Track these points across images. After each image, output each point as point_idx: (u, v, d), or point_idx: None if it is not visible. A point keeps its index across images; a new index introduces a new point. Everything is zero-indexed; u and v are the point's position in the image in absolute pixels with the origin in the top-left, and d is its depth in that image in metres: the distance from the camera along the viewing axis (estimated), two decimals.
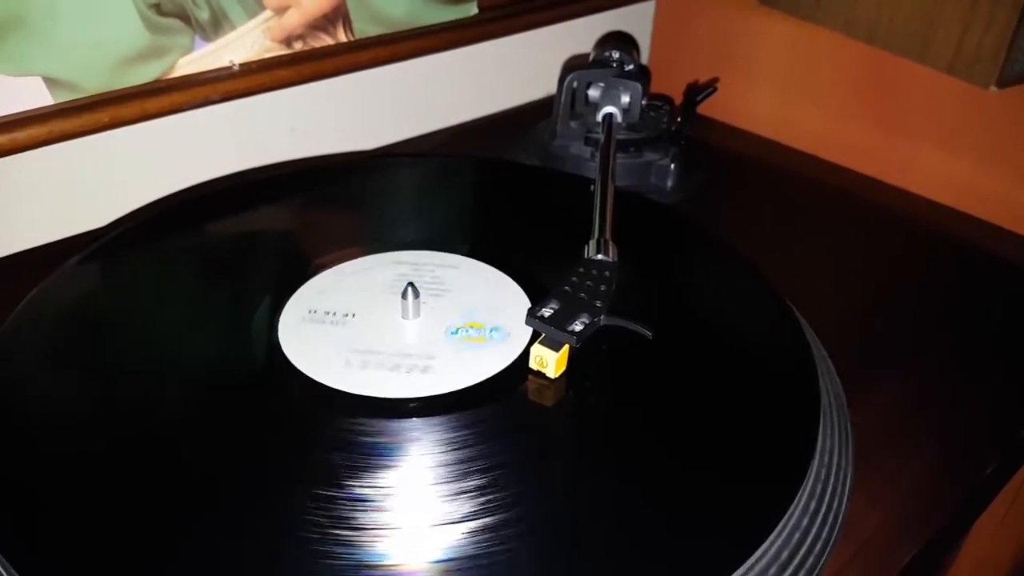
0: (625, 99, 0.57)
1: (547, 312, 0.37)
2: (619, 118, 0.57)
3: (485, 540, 0.29)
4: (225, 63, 0.55)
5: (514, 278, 0.42)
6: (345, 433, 0.33)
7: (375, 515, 0.29)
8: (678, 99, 0.64)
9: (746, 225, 0.55)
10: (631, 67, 0.59)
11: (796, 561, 0.31)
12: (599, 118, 0.57)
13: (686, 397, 0.36)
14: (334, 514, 0.29)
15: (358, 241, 0.45)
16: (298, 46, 0.57)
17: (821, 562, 0.32)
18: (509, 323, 0.39)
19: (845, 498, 0.34)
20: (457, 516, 0.30)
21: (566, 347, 0.36)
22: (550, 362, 0.35)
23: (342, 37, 0.59)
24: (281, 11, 0.55)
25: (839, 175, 0.65)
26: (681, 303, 0.42)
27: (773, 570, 0.30)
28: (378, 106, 0.66)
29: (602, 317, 0.37)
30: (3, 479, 0.31)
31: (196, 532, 0.29)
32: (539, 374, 0.36)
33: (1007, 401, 0.42)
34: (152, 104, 0.52)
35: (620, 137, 0.57)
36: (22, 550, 0.28)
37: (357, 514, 0.29)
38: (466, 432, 0.33)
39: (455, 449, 0.32)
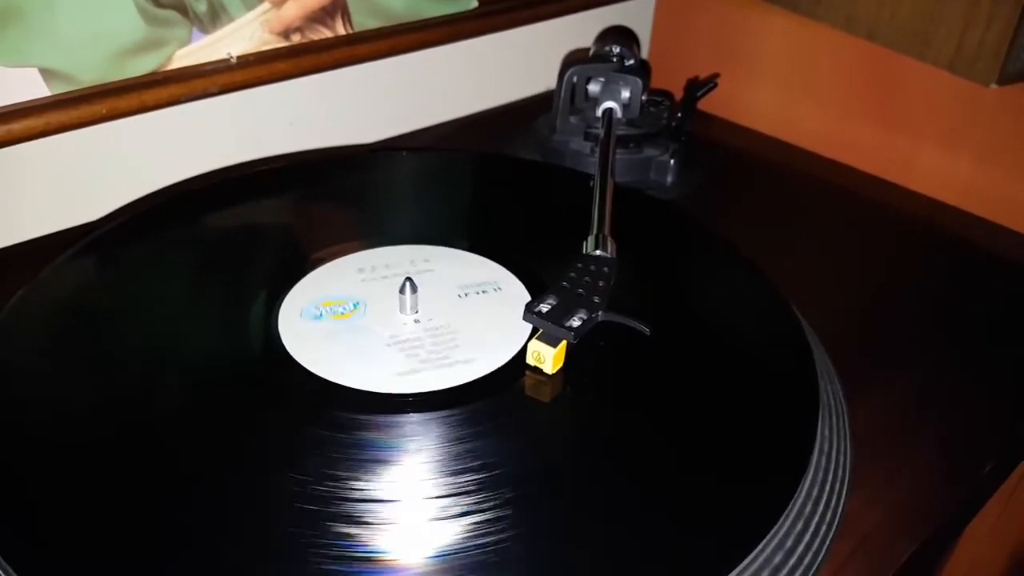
0: (625, 94, 0.57)
1: (545, 308, 0.37)
2: (619, 113, 0.57)
3: (479, 537, 0.29)
4: (223, 55, 0.54)
5: (512, 272, 0.42)
6: (342, 428, 0.33)
7: (370, 511, 0.29)
8: (678, 94, 0.64)
9: (745, 222, 0.55)
10: (631, 62, 0.59)
11: (794, 558, 0.31)
12: (599, 113, 0.57)
13: (684, 394, 0.35)
14: (331, 508, 0.29)
15: (357, 235, 0.45)
16: (296, 39, 0.57)
17: (819, 559, 0.32)
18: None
19: (844, 496, 0.34)
20: (452, 512, 0.29)
21: (563, 343, 0.36)
22: (547, 358, 0.35)
23: (341, 30, 0.59)
24: (279, 3, 0.55)
25: (839, 172, 0.65)
26: (680, 300, 0.42)
27: (771, 568, 0.30)
28: (377, 100, 0.66)
29: (600, 313, 0.37)
30: None
31: (191, 526, 0.29)
32: (536, 370, 0.36)
33: (1006, 399, 0.42)
34: (149, 96, 0.51)
35: (620, 132, 0.57)
36: (15, 544, 0.28)
37: (353, 509, 0.29)
38: (462, 428, 0.33)
39: (451, 445, 0.32)
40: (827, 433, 0.35)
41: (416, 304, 0.39)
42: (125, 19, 0.49)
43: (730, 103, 0.71)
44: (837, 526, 0.33)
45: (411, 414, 0.33)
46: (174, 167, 0.57)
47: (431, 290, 0.40)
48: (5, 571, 0.27)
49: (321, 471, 0.31)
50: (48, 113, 0.48)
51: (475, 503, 0.30)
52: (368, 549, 0.28)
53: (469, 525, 0.29)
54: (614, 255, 0.41)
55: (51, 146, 0.50)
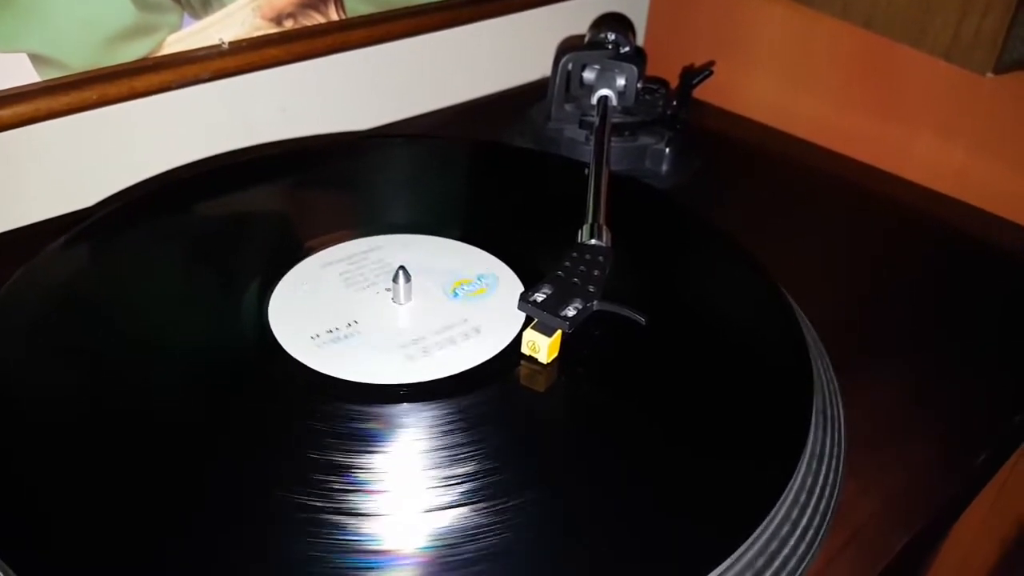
0: (620, 82, 0.56)
1: (540, 297, 0.36)
2: (614, 101, 0.56)
3: (474, 526, 0.28)
4: (214, 41, 0.54)
5: (507, 262, 0.42)
6: (336, 419, 0.32)
7: (363, 501, 0.29)
8: (674, 82, 0.64)
9: (741, 211, 0.55)
10: (627, 49, 0.58)
11: (788, 548, 0.31)
12: (594, 101, 0.57)
13: (679, 384, 0.35)
14: (326, 500, 0.29)
15: (350, 223, 0.45)
16: (289, 24, 0.56)
17: (813, 549, 0.32)
18: (495, 282, 0.39)
19: (837, 487, 0.34)
20: (447, 502, 0.29)
21: (558, 332, 0.35)
22: (542, 347, 0.35)
23: (333, 16, 0.58)
24: None
25: (835, 161, 0.65)
26: (675, 289, 0.42)
27: (765, 557, 0.30)
28: (370, 86, 0.65)
29: (595, 303, 0.37)
30: None
31: (185, 518, 0.29)
32: (531, 359, 0.36)
33: (1001, 389, 0.42)
34: (140, 82, 0.51)
35: (615, 120, 0.56)
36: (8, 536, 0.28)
37: (346, 500, 0.29)
38: (456, 418, 0.33)
39: (445, 435, 0.32)
40: (821, 423, 0.35)
41: (409, 293, 0.39)
42: (115, 4, 0.49)
43: (726, 91, 0.71)
44: (830, 517, 0.33)
45: (404, 404, 0.33)
46: (165, 154, 0.57)
47: (424, 279, 0.40)
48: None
49: (315, 462, 0.30)
50: (38, 99, 0.48)
51: (468, 493, 0.30)
52: (361, 540, 0.28)
53: (463, 516, 0.29)
54: (609, 244, 0.41)
55: (40, 133, 0.50)
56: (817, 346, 0.41)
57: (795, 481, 0.32)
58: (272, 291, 0.39)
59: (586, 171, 0.47)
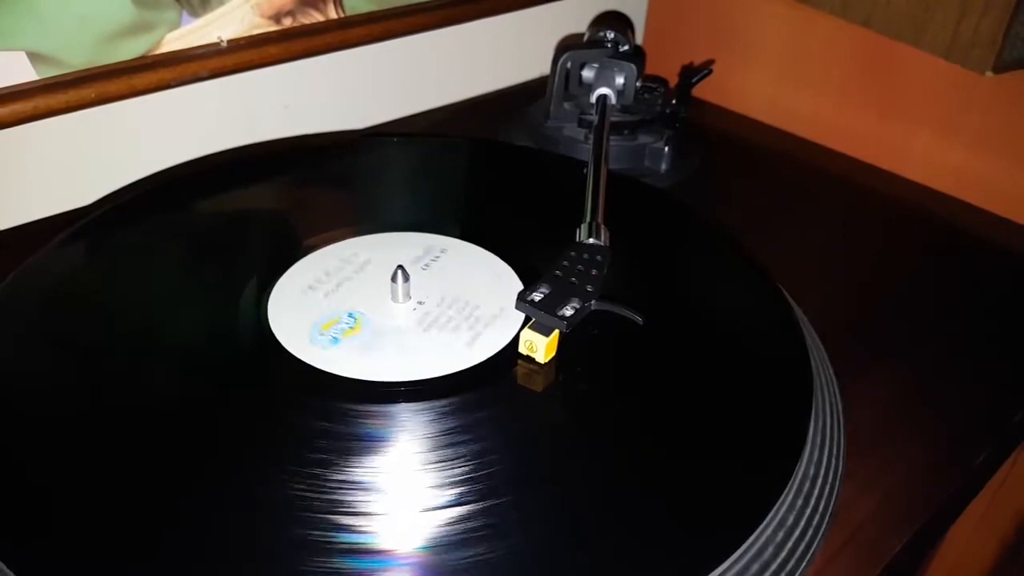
0: (619, 80, 0.56)
1: (537, 296, 0.36)
2: (613, 100, 0.56)
3: (472, 527, 0.28)
4: (213, 39, 0.54)
5: (505, 260, 0.42)
6: (333, 417, 0.32)
7: (359, 500, 0.29)
8: (673, 81, 0.64)
9: (740, 210, 0.55)
10: (626, 48, 0.58)
11: (787, 547, 0.31)
12: (593, 99, 0.56)
13: (677, 384, 0.35)
14: (322, 498, 0.29)
15: (348, 222, 0.45)
16: (288, 22, 0.56)
17: (812, 549, 0.32)
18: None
19: (837, 486, 0.34)
20: (444, 502, 0.29)
21: (556, 332, 0.35)
22: (540, 347, 0.35)
23: (333, 14, 0.58)
24: None
25: (834, 160, 0.65)
26: (673, 288, 0.42)
27: (765, 556, 0.30)
28: (370, 84, 0.65)
29: (593, 302, 0.37)
30: None
31: (180, 516, 0.29)
32: (529, 359, 0.36)
33: (1001, 388, 0.42)
34: (139, 80, 0.51)
35: (614, 119, 0.56)
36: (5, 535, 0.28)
37: (342, 499, 0.29)
38: (454, 417, 0.33)
39: (443, 434, 0.32)
40: (820, 423, 0.35)
41: (408, 293, 0.39)
42: (114, 2, 0.49)
43: (725, 90, 0.71)
44: (830, 516, 0.33)
45: (402, 403, 0.33)
46: (164, 152, 0.57)
47: (421, 278, 0.40)
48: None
49: (310, 460, 0.30)
50: (36, 97, 0.48)
51: (466, 493, 0.30)
52: (357, 540, 0.28)
53: (460, 515, 0.29)
54: (607, 243, 0.41)
55: (39, 131, 0.50)
56: (816, 345, 0.41)
57: (794, 481, 0.32)
58: (271, 288, 0.39)
59: (585, 170, 0.47)
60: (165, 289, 0.40)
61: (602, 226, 0.42)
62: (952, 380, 0.43)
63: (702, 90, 0.65)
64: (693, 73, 0.62)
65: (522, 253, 0.42)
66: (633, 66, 0.56)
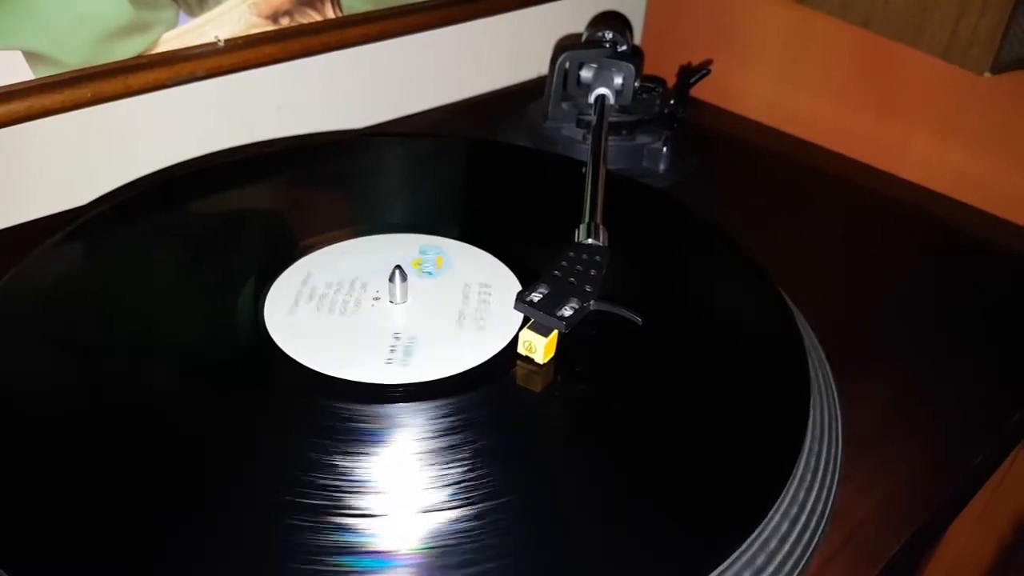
0: (618, 80, 0.56)
1: (536, 297, 0.36)
2: (611, 100, 0.56)
3: (470, 527, 0.28)
4: (210, 39, 0.54)
5: (504, 261, 0.42)
6: (331, 418, 0.32)
7: (358, 501, 0.29)
8: (671, 81, 0.64)
9: (738, 210, 0.55)
10: (624, 48, 0.58)
11: (785, 548, 0.31)
12: (591, 99, 0.56)
13: (675, 384, 0.35)
14: (320, 499, 0.29)
15: (346, 222, 0.45)
16: (285, 22, 0.56)
17: (811, 550, 0.32)
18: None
19: (834, 486, 0.34)
20: (442, 503, 0.29)
21: (555, 332, 0.35)
22: (539, 347, 0.35)
23: (330, 13, 0.58)
24: None
25: (833, 161, 0.65)
26: (672, 289, 0.42)
27: (762, 557, 0.30)
28: (366, 84, 0.65)
29: (592, 302, 0.36)
30: None
31: (176, 517, 0.29)
32: (528, 359, 0.35)
33: (999, 389, 0.42)
34: (135, 80, 0.51)
35: (612, 119, 0.56)
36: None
37: (341, 500, 0.29)
38: (453, 418, 0.33)
39: (442, 435, 0.32)
40: (818, 423, 0.35)
41: (405, 293, 0.39)
42: (111, 1, 0.49)
43: (723, 90, 0.71)
44: (828, 517, 0.33)
45: (401, 404, 0.33)
46: (160, 152, 0.57)
47: (418, 279, 0.40)
48: None
49: (309, 461, 0.30)
50: (32, 97, 0.47)
51: (464, 494, 0.29)
52: (356, 540, 0.28)
53: (458, 516, 0.29)
54: (606, 243, 0.41)
55: (35, 130, 0.50)
56: (814, 345, 0.41)
57: (792, 482, 0.32)
58: (268, 289, 0.39)
59: (583, 170, 0.47)
60: (161, 290, 0.40)
61: (601, 226, 0.42)
62: (950, 380, 0.43)
63: (701, 90, 0.65)
64: (691, 73, 0.62)
65: (521, 253, 0.42)
66: (631, 66, 0.56)
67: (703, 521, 0.29)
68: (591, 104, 0.56)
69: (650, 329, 0.36)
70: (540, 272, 0.38)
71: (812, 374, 0.36)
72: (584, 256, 0.39)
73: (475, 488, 0.30)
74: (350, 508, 0.29)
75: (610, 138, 0.55)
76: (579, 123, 0.58)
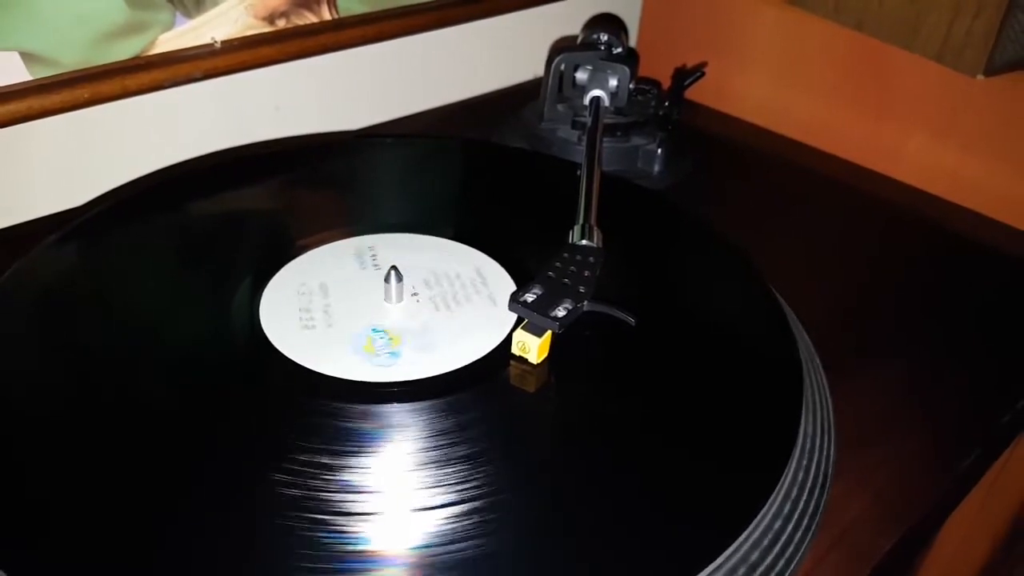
0: (613, 82, 0.56)
1: (530, 297, 0.36)
2: (607, 102, 0.56)
3: (464, 526, 0.28)
4: (207, 40, 0.54)
5: (498, 261, 0.42)
6: (325, 418, 0.32)
7: (353, 501, 0.29)
8: (666, 83, 0.64)
9: (732, 212, 0.55)
10: (619, 50, 0.59)
11: (776, 549, 0.31)
12: (587, 101, 0.57)
13: (668, 384, 0.35)
14: (315, 498, 0.29)
15: (342, 222, 0.45)
16: (281, 24, 0.56)
17: (801, 550, 0.32)
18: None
19: (826, 486, 0.34)
20: (436, 502, 0.29)
21: (549, 333, 0.36)
22: (532, 348, 0.35)
23: (326, 15, 0.58)
24: None
25: (827, 162, 0.65)
26: (665, 290, 0.42)
27: (753, 557, 0.30)
28: (363, 86, 0.65)
29: (585, 303, 0.37)
30: None
31: (171, 517, 0.29)
32: (521, 360, 0.36)
33: (991, 388, 0.43)
34: (132, 81, 0.51)
35: (607, 121, 0.56)
36: None
37: (336, 500, 0.29)
38: (447, 418, 0.33)
39: (435, 435, 0.32)
40: (810, 423, 0.36)
41: (401, 293, 0.39)
42: (108, 2, 0.49)
43: (718, 92, 0.71)
44: (819, 517, 0.33)
45: (395, 404, 0.33)
46: (157, 153, 0.57)
47: (415, 278, 0.40)
48: None
49: (302, 461, 0.30)
50: (29, 98, 0.48)
51: (457, 493, 0.30)
52: (349, 540, 0.28)
53: (453, 516, 0.29)
54: (600, 245, 0.41)
55: (32, 131, 0.50)
56: (807, 346, 0.41)
57: (784, 481, 0.32)
58: (264, 289, 0.39)
59: (578, 171, 0.47)
60: (157, 290, 0.40)
61: (595, 228, 0.42)
62: (942, 381, 0.43)
63: (696, 92, 0.65)
64: (686, 75, 0.62)
65: (515, 254, 0.42)
66: (626, 68, 0.56)
67: (695, 520, 0.30)
68: (586, 106, 0.57)
69: (643, 330, 0.37)
70: (534, 272, 0.38)
71: (805, 374, 0.36)
72: (578, 257, 0.40)
73: (467, 488, 0.30)
74: (343, 508, 0.29)
75: (605, 140, 0.55)
76: (574, 125, 0.58)
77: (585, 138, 0.53)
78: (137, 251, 0.43)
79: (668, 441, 0.33)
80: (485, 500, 0.29)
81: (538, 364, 0.36)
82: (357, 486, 0.30)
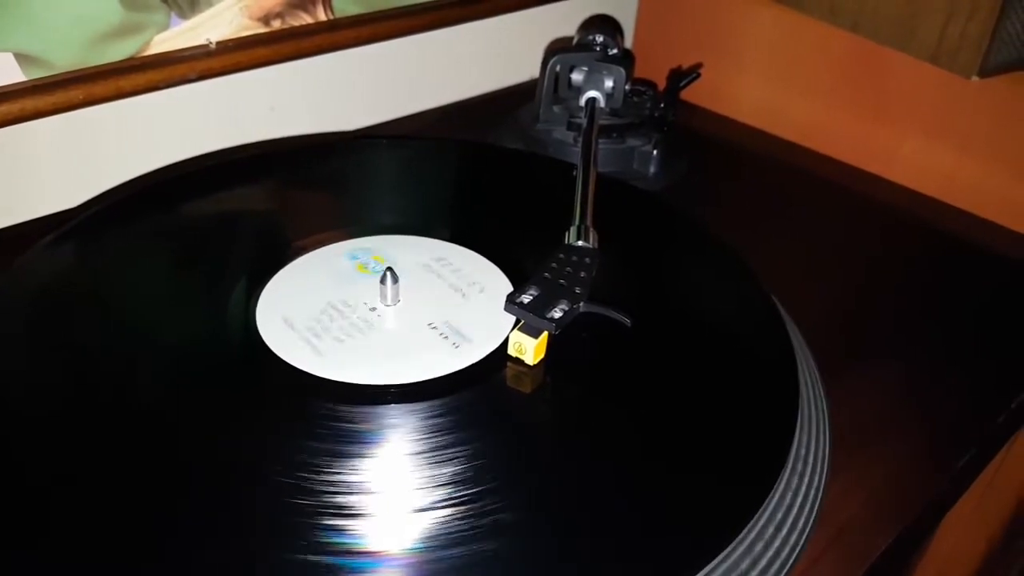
0: (608, 84, 0.57)
1: (526, 298, 0.36)
2: (602, 103, 0.57)
3: (459, 528, 0.28)
4: (202, 41, 0.54)
5: (494, 263, 0.42)
6: (322, 420, 0.32)
7: (347, 503, 0.29)
8: (662, 84, 0.64)
9: (728, 213, 0.55)
10: (615, 51, 0.59)
11: (772, 549, 0.31)
12: (582, 103, 0.57)
13: (664, 386, 0.35)
14: (312, 500, 0.29)
15: (338, 224, 0.45)
16: (276, 24, 0.56)
17: (798, 550, 0.32)
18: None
19: (822, 487, 0.34)
20: (432, 504, 0.29)
21: (545, 334, 0.35)
22: (528, 349, 0.35)
23: (321, 16, 0.58)
24: None
25: (823, 164, 0.65)
26: (661, 291, 0.42)
27: (749, 558, 0.30)
28: (358, 87, 0.65)
29: (581, 304, 0.37)
30: None
31: (171, 515, 0.29)
32: (517, 361, 0.36)
33: (987, 388, 0.43)
34: (127, 82, 0.51)
35: (603, 122, 0.57)
36: None
37: (332, 500, 0.29)
38: (443, 419, 0.33)
39: (431, 436, 0.32)
40: (806, 424, 0.36)
41: (397, 295, 0.39)
42: (103, 3, 0.49)
43: (714, 93, 0.71)
44: (815, 517, 0.33)
45: (391, 405, 0.33)
46: (152, 154, 0.57)
47: (411, 280, 0.40)
48: None
49: (300, 462, 0.30)
50: (23, 99, 0.47)
51: (453, 495, 0.30)
52: (347, 541, 0.28)
53: (448, 517, 0.29)
54: (596, 246, 0.41)
55: (26, 133, 0.50)
56: (803, 347, 0.41)
57: (780, 482, 0.32)
58: (260, 291, 0.39)
59: (574, 173, 0.47)
60: (152, 292, 0.40)
61: (591, 229, 0.42)
62: (938, 382, 0.43)
63: (692, 94, 0.65)
64: (681, 76, 0.62)
65: (511, 255, 0.42)
66: (622, 69, 0.56)
67: (690, 522, 0.30)
68: (582, 107, 0.57)
69: (639, 331, 0.37)
70: (530, 274, 0.38)
71: (800, 375, 0.36)
72: (574, 258, 0.40)
73: (464, 490, 0.30)
74: (340, 509, 0.29)
75: (600, 141, 0.55)
76: (570, 126, 0.58)
77: (581, 139, 0.53)
78: (132, 252, 0.43)
79: (663, 442, 0.33)
80: (479, 501, 0.29)
81: (534, 365, 0.35)
82: (353, 488, 0.30)
